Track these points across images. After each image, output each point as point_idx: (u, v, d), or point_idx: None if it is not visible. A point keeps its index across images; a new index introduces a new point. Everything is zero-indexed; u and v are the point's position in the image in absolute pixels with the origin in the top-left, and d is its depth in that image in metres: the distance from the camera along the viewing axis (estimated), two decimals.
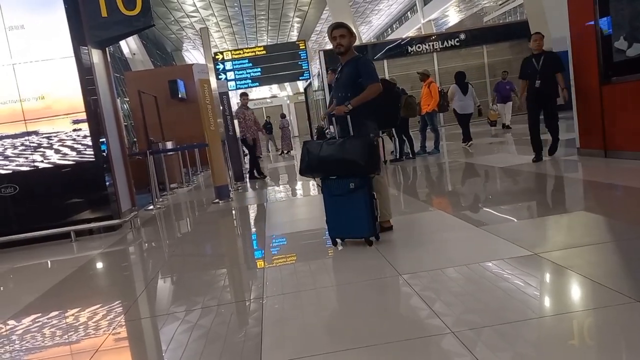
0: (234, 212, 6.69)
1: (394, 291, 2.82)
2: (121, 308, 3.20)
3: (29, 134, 5.74)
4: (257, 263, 3.86)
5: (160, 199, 8.19)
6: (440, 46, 19.74)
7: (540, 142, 6.70)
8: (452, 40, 19.82)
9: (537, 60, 6.46)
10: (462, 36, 19.93)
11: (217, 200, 7.26)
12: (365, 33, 42.02)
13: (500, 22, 31.83)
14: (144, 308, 3.20)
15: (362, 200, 3.59)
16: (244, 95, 10.20)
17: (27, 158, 5.77)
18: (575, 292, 2.55)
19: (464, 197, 5.60)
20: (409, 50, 19.64)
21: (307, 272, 3.43)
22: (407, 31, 37.22)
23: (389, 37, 40.24)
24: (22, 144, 5.76)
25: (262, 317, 2.62)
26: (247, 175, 10.20)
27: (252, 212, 6.53)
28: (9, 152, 5.75)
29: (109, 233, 5.86)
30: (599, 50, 5.94)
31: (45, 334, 2.88)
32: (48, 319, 3.14)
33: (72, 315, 3.17)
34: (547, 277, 2.78)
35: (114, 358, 2.53)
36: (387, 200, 4.05)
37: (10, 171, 5.75)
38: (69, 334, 2.83)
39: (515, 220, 4.12)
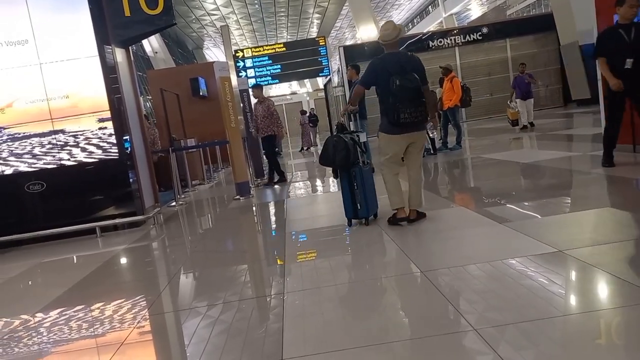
0: (254, 208, 6.74)
1: (415, 288, 2.80)
2: (145, 302, 3.26)
3: (55, 132, 5.88)
4: (278, 259, 3.88)
5: (182, 196, 8.30)
6: (462, 40, 19.43)
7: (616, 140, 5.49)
8: (475, 34, 19.48)
9: (627, 32, 4.94)
10: (485, 30, 19.55)
11: (237, 197, 7.33)
12: None
13: (524, 15, 31.18)
14: (167, 303, 3.25)
15: (342, 188, 4.38)
16: (253, 89, 8.98)
17: (54, 156, 5.91)
18: (602, 289, 2.49)
19: (486, 193, 5.52)
20: (430, 45, 19.39)
21: (327, 268, 3.44)
22: (428, 25, 36.79)
23: (410, 32, 39.86)
24: (50, 142, 5.90)
25: (283, 312, 2.64)
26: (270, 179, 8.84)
27: (273, 209, 6.56)
28: (36, 150, 5.90)
29: (132, 229, 5.97)
30: None
31: (72, 327, 2.95)
32: (75, 312, 3.21)
33: (98, 309, 3.24)
34: (573, 274, 2.72)
35: (139, 351, 2.58)
36: (390, 190, 4.21)
37: (38, 168, 5.90)
38: (95, 327, 2.90)
39: (540, 217, 4.04)
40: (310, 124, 19.66)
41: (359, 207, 4.30)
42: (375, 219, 4.49)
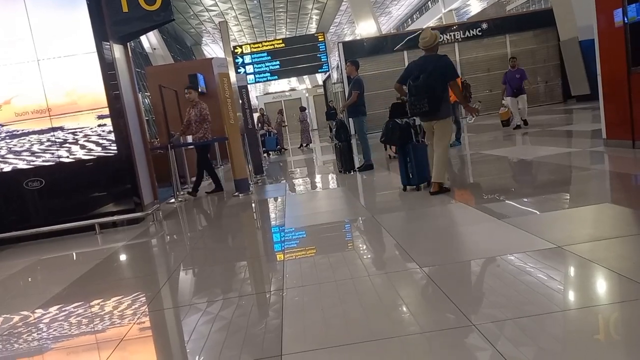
0: (253, 205, 6.74)
1: (414, 284, 2.81)
2: (145, 299, 3.26)
3: (54, 129, 5.87)
4: (277, 255, 3.89)
5: (182, 192, 8.29)
6: (462, 36, 19.39)
7: None
8: (474, 30, 19.43)
9: None
10: (484, 26, 19.51)
11: (237, 194, 7.32)
12: (385, 24, 41.60)
13: (524, 10, 31.12)
14: (167, 299, 3.25)
15: (399, 160, 5.65)
16: (188, 90, 8.12)
17: (52, 153, 5.90)
18: (601, 285, 2.49)
19: (485, 189, 5.52)
20: None
21: (326, 264, 3.44)
22: (428, 21, 36.71)
23: (409, 28, 39.78)
24: (48, 140, 5.88)
25: (283, 308, 2.64)
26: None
27: (272, 205, 6.56)
28: (35, 148, 5.88)
29: (132, 226, 5.97)
30: (627, 37, 5.76)
31: (71, 323, 2.95)
32: (74, 308, 3.22)
33: (98, 305, 3.24)
34: (572, 270, 2.73)
35: (139, 347, 2.59)
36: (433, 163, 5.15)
37: (36, 165, 5.89)
38: (95, 324, 2.90)
39: (539, 213, 4.04)
40: (329, 118, 19.34)
41: (411, 176, 5.45)
42: (428, 185, 5.38)
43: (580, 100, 16.12)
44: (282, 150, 17.41)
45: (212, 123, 8.23)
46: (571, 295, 2.43)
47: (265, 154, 15.43)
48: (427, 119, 5.08)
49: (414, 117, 5.39)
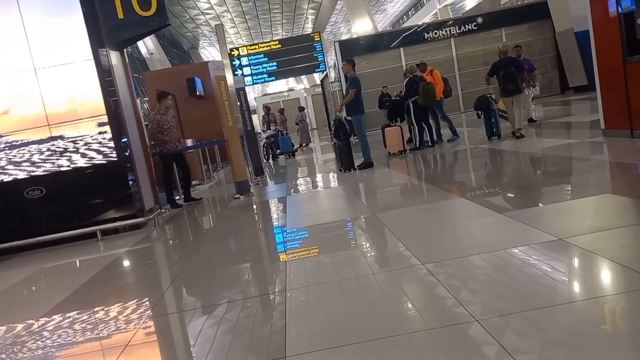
0: (254, 206, 6.74)
1: (418, 281, 2.81)
2: (148, 304, 3.27)
3: (53, 138, 5.86)
4: (280, 256, 3.89)
5: (183, 196, 8.28)
6: (458, 31, 19.37)
7: None
8: (470, 24, 19.42)
9: None
10: (480, 20, 19.50)
11: (238, 196, 7.32)
12: (381, 21, 41.57)
13: (519, 3, 31.07)
14: (171, 304, 3.26)
15: (485, 121, 8.58)
16: (159, 96, 7.50)
17: (53, 163, 5.89)
18: (604, 276, 2.49)
19: (485, 183, 5.52)
20: (426, 37, 19.34)
21: (329, 263, 3.44)
22: (423, 17, 36.67)
23: (405, 25, 39.71)
24: (48, 149, 5.87)
25: (286, 309, 2.64)
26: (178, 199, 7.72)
27: (273, 206, 6.57)
28: (35, 158, 5.86)
29: (133, 231, 5.97)
30: (622, 27, 5.75)
31: (76, 330, 2.96)
32: (78, 315, 3.22)
33: (102, 311, 3.24)
34: (574, 262, 2.73)
35: (144, 352, 2.59)
36: (510, 120, 8.33)
37: (37, 174, 5.88)
38: (99, 330, 2.90)
39: (540, 205, 4.04)
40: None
41: (494, 130, 8.38)
42: (498, 138, 8.26)
43: (578, 91, 16.11)
44: (297, 150, 15.63)
45: (211, 125, 8.15)
46: (575, 287, 2.43)
47: (270, 158, 13.95)
48: (512, 94, 7.97)
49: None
